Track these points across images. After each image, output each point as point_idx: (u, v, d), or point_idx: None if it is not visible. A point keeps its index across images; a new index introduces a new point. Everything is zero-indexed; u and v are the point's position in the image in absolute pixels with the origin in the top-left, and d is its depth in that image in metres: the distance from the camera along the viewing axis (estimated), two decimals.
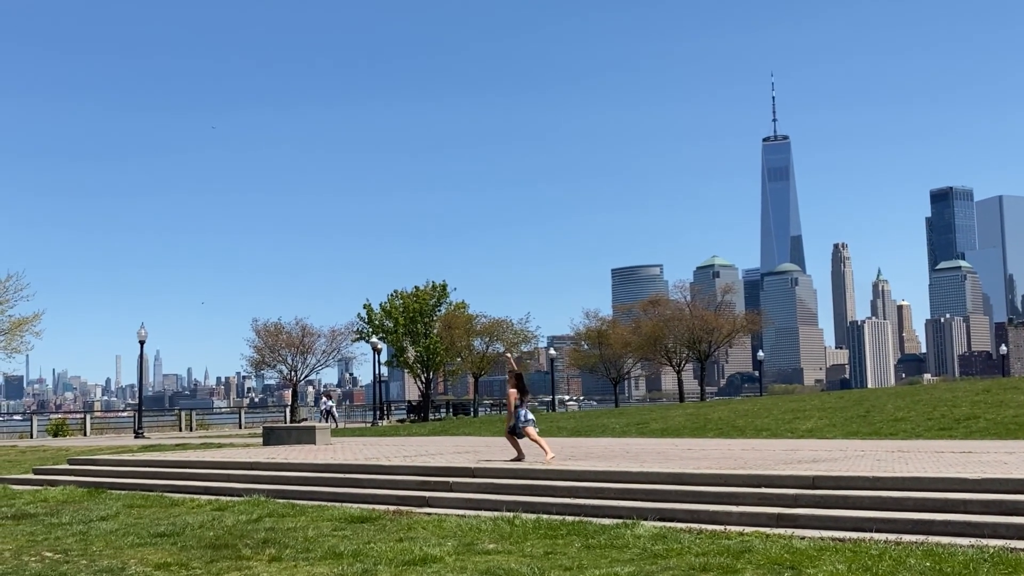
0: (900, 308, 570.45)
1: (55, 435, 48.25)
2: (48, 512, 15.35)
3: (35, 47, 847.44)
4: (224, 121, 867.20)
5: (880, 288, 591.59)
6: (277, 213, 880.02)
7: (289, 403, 71.90)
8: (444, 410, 70.61)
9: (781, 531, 10.98)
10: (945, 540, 9.99)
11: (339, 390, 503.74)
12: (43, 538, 12.70)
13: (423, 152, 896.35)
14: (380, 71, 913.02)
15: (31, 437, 48.19)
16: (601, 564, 9.55)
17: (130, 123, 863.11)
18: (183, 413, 59.83)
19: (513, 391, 16.80)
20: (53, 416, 63.52)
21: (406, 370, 73.63)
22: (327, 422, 50.37)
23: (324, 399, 54.58)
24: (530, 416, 16.80)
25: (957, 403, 27.98)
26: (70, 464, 22.49)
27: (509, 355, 16.17)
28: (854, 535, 10.48)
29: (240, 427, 57.06)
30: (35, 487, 19.62)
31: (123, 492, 17.83)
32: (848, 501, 11.78)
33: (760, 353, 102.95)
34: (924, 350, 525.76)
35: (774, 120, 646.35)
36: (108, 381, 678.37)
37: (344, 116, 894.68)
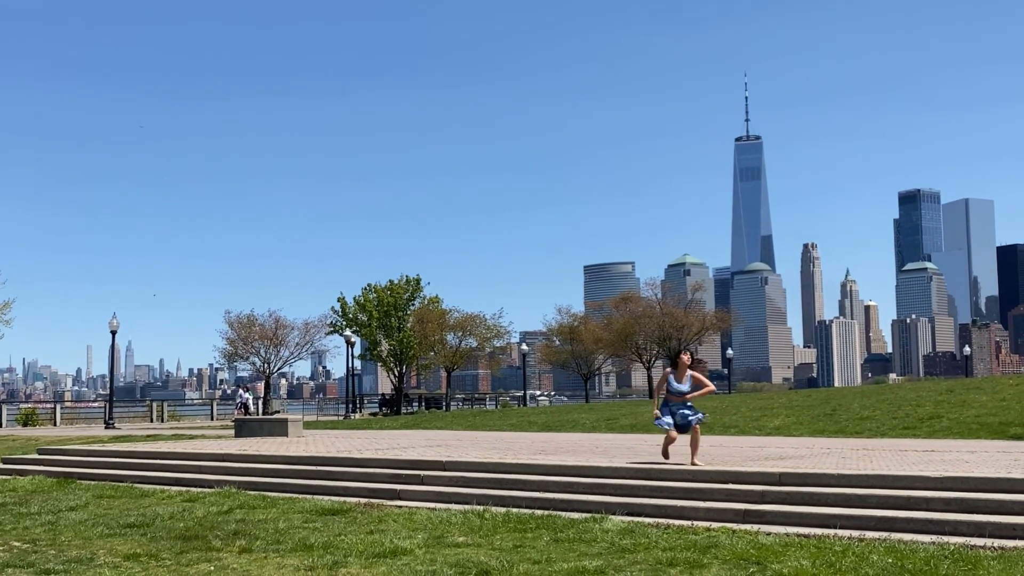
0: (867, 308, 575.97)
1: (25, 424, 47.81)
2: (17, 502, 15.27)
3: (10, 29, 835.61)
4: (199, 110, 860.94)
5: (848, 288, 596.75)
6: (251, 204, 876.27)
7: (262, 395, 71.52)
8: (417, 404, 70.58)
9: (747, 527, 11.14)
10: (907, 537, 10.17)
11: (312, 383, 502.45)
12: (11, 528, 12.65)
13: (396, 145, 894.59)
14: (355, 61, 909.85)
15: (0, 426, 47.70)
16: (569, 558, 9.66)
17: (105, 110, 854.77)
18: (155, 404, 59.36)
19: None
20: (23, 405, 62.70)
21: (379, 364, 73.49)
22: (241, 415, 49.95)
23: (241, 391, 54.26)
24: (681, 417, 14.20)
25: (921, 403, 28.36)
26: (40, 454, 22.33)
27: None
28: (819, 531, 10.65)
29: (212, 419, 56.80)
30: (4, 476, 19.47)
31: (93, 483, 17.76)
32: (813, 498, 11.95)
33: (729, 351, 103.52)
34: (890, 350, 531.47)
35: (747, 120, 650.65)
36: (79, 371, 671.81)
37: (319, 107, 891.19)
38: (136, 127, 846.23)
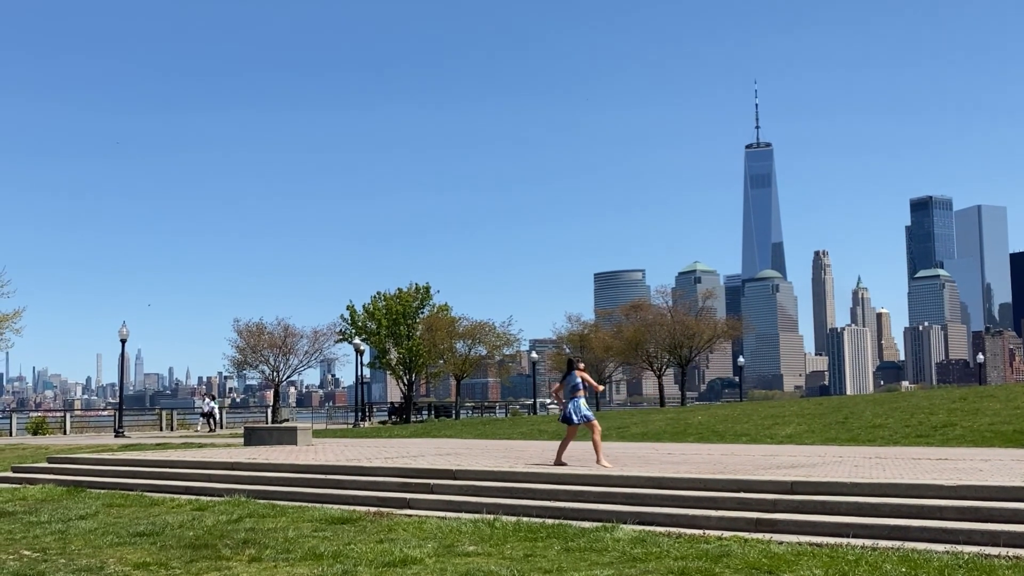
0: (879, 316, 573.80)
1: (35, 433, 47.89)
2: (27, 510, 15.27)
3: (17, 44, 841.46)
4: (207, 122, 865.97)
5: (860, 296, 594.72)
6: (261, 213, 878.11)
7: (271, 404, 71.68)
8: (426, 412, 70.56)
9: (760, 536, 11.08)
10: (921, 546, 10.10)
11: (321, 391, 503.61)
12: (21, 536, 12.65)
13: (407, 154, 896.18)
14: (364, 73, 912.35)
15: (10, 435, 47.77)
16: (580, 567, 9.61)
17: (113, 122, 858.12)
18: (164, 412, 59.51)
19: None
20: (33, 414, 62.93)
21: (388, 372, 73.56)
22: (206, 426, 49.95)
23: (206, 399, 54.23)
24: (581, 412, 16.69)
25: (934, 411, 28.20)
26: (49, 462, 22.36)
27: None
28: (832, 540, 10.59)
29: (221, 427, 56.76)
30: (14, 485, 19.53)
31: (103, 491, 17.76)
32: (826, 506, 11.89)
33: (740, 359, 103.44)
34: (902, 358, 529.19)
35: (757, 127, 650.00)
36: (89, 379, 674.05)
37: (329, 118, 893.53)
38: (148, 137, 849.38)
